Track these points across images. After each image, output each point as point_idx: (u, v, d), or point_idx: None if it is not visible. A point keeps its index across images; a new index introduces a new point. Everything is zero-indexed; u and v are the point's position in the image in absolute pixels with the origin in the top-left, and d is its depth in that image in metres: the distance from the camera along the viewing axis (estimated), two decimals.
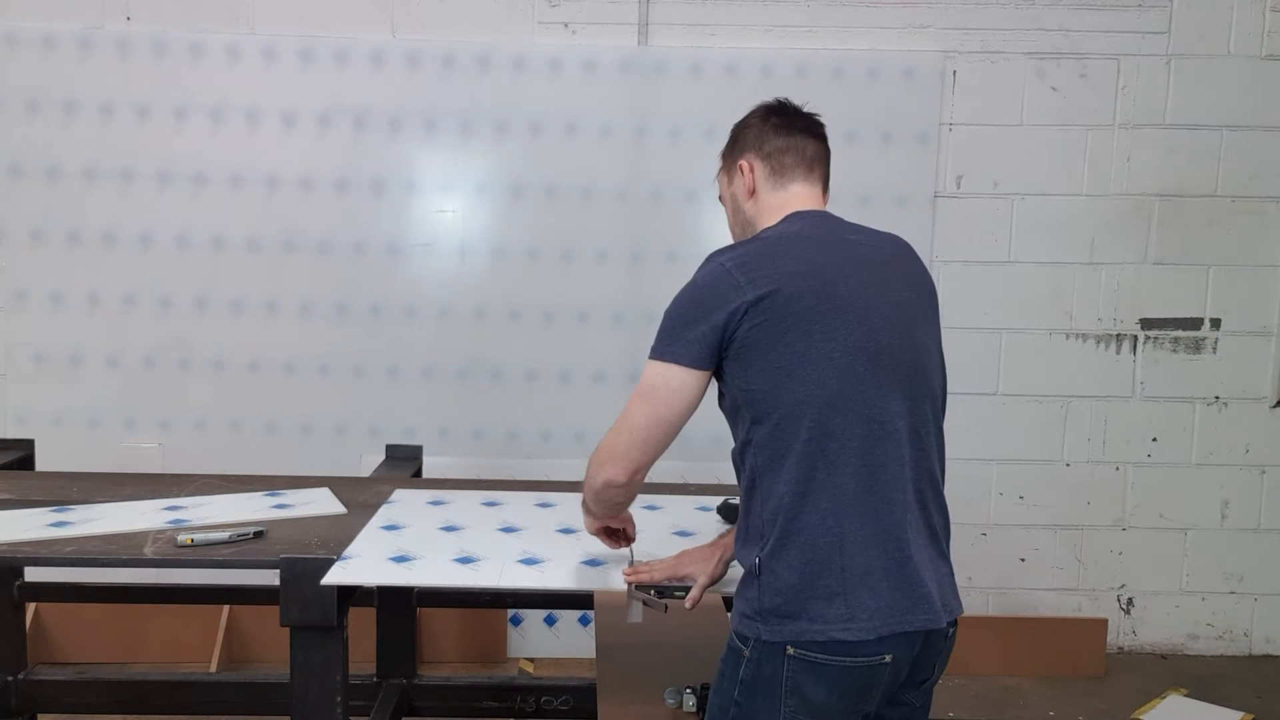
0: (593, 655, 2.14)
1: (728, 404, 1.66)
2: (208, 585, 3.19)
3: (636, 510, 2.39)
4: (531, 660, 3.79)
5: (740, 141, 1.80)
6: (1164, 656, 3.94)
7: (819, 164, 1.77)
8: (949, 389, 1.76)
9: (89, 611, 3.58)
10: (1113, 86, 3.70)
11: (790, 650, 1.54)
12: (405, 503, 2.44)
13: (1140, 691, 3.63)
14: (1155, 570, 3.92)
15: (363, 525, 2.22)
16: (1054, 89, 3.70)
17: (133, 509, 2.32)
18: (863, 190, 3.65)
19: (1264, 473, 3.88)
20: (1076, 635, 3.80)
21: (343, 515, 2.32)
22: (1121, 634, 3.95)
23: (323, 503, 2.41)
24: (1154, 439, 3.86)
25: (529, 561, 2.03)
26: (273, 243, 3.64)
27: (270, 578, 2.03)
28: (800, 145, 1.76)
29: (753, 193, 1.75)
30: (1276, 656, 3.96)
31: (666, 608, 1.81)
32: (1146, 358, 3.82)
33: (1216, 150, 3.73)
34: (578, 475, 3.27)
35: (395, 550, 2.06)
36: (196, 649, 3.61)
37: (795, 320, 1.55)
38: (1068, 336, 3.80)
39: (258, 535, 2.14)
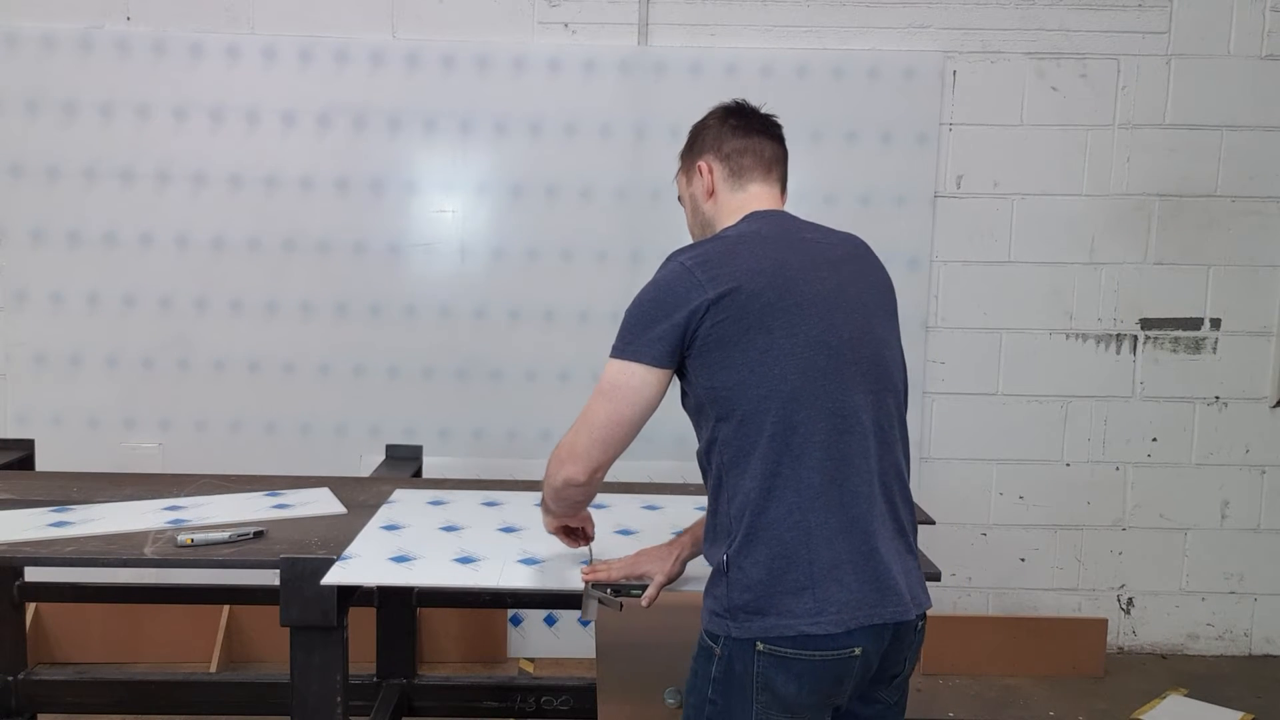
0: (593, 655, 2.15)
1: (691, 403, 1.68)
2: (208, 585, 3.19)
3: (637, 510, 2.41)
4: (531, 660, 3.79)
5: (699, 143, 1.83)
6: (1164, 656, 3.94)
7: (777, 165, 1.81)
8: (909, 386, 1.78)
9: (89, 611, 3.58)
10: (1113, 86, 3.70)
11: (760, 646, 1.55)
12: (405, 503, 2.44)
13: (1140, 691, 3.63)
14: (1155, 570, 3.92)
15: (363, 525, 2.23)
16: (1054, 89, 3.70)
17: (133, 509, 2.32)
18: (863, 190, 3.66)
19: (1264, 473, 3.88)
20: (1076, 635, 3.80)
21: (343, 515, 2.32)
22: (1121, 634, 3.95)
23: (323, 503, 2.41)
24: (1154, 439, 3.86)
25: (529, 561, 2.03)
26: (273, 242, 3.64)
27: (270, 578, 2.03)
28: (758, 146, 1.79)
29: (712, 193, 1.79)
30: (1276, 656, 3.96)
31: (621, 606, 1.82)
32: (1146, 358, 3.82)
33: (1216, 150, 3.73)
34: None
35: (395, 550, 2.06)
36: (196, 649, 3.62)
37: (756, 317, 1.56)
38: (1068, 336, 3.80)
39: (258, 535, 2.14)
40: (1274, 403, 3.85)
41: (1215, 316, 3.81)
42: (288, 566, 1.95)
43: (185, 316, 3.65)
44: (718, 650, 1.59)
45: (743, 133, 1.79)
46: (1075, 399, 3.82)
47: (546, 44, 3.62)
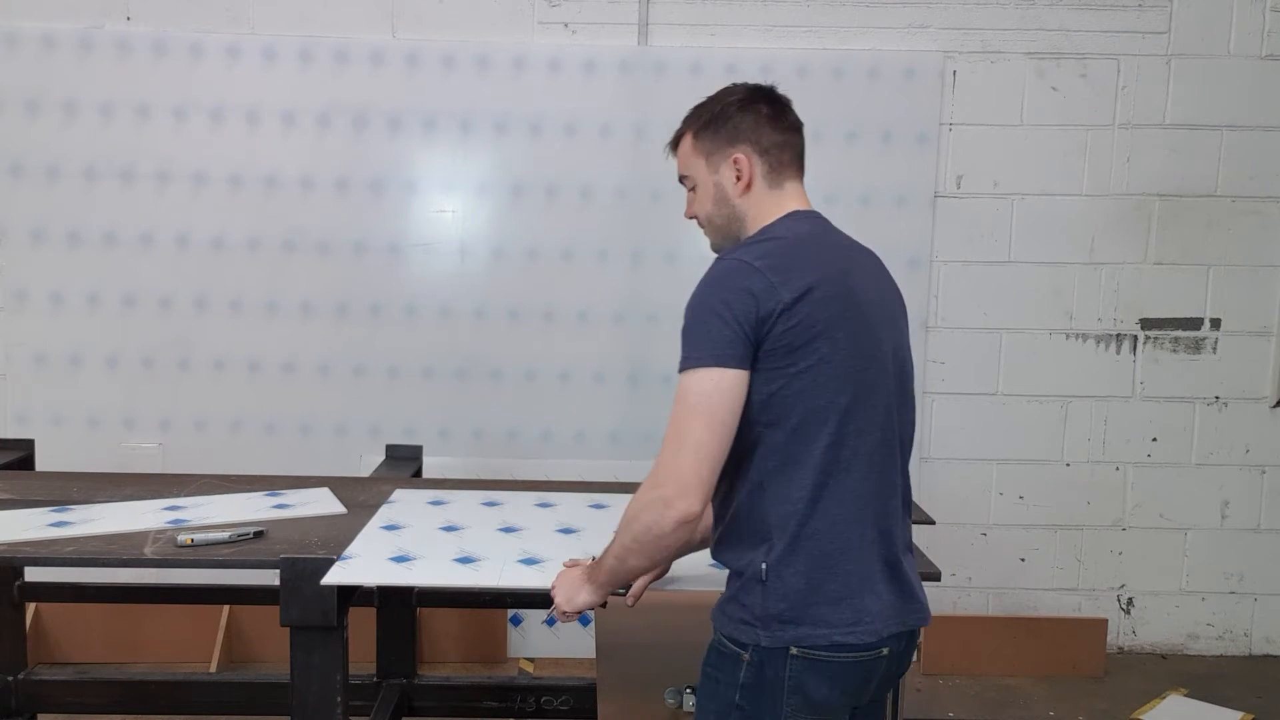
0: (593, 655, 2.14)
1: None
2: (208, 585, 3.19)
3: None
4: (531, 660, 3.79)
5: (731, 129, 1.69)
6: (1164, 656, 3.94)
7: (802, 161, 1.75)
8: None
9: (89, 611, 3.58)
10: (1113, 86, 3.70)
11: (794, 650, 1.53)
12: (405, 503, 2.44)
13: (1140, 691, 3.63)
14: (1155, 570, 3.92)
15: (363, 525, 2.23)
16: (1054, 89, 3.70)
17: (133, 509, 2.32)
18: (863, 190, 3.66)
19: (1264, 473, 3.88)
20: (1076, 635, 3.80)
21: (343, 515, 2.32)
22: (1121, 634, 3.95)
23: (323, 503, 2.41)
24: (1154, 439, 3.86)
25: (529, 561, 2.03)
26: (272, 242, 3.64)
27: (270, 578, 2.03)
28: (795, 142, 1.72)
29: (748, 187, 1.67)
30: (1276, 656, 3.96)
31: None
32: (1146, 358, 3.82)
33: (1216, 150, 3.73)
34: (578, 475, 3.27)
35: (395, 550, 2.06)
36: (196, 649, 3.62)
37: (824, 325, 1.52)
38: (1068, 336, 3.80)
39: (258, 535, 2.14)
40: (1274, 403, 3.85)
41: (1215, 316, 3.81)
42: (288, 566, 1.95)
43: (185, 316, 3.65)
44: (746, 655, 1.55)
45: (781, 127, 1.71)
46: (1075, 399, 3.82)
47: (546, 44, 3.62)
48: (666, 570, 1.87)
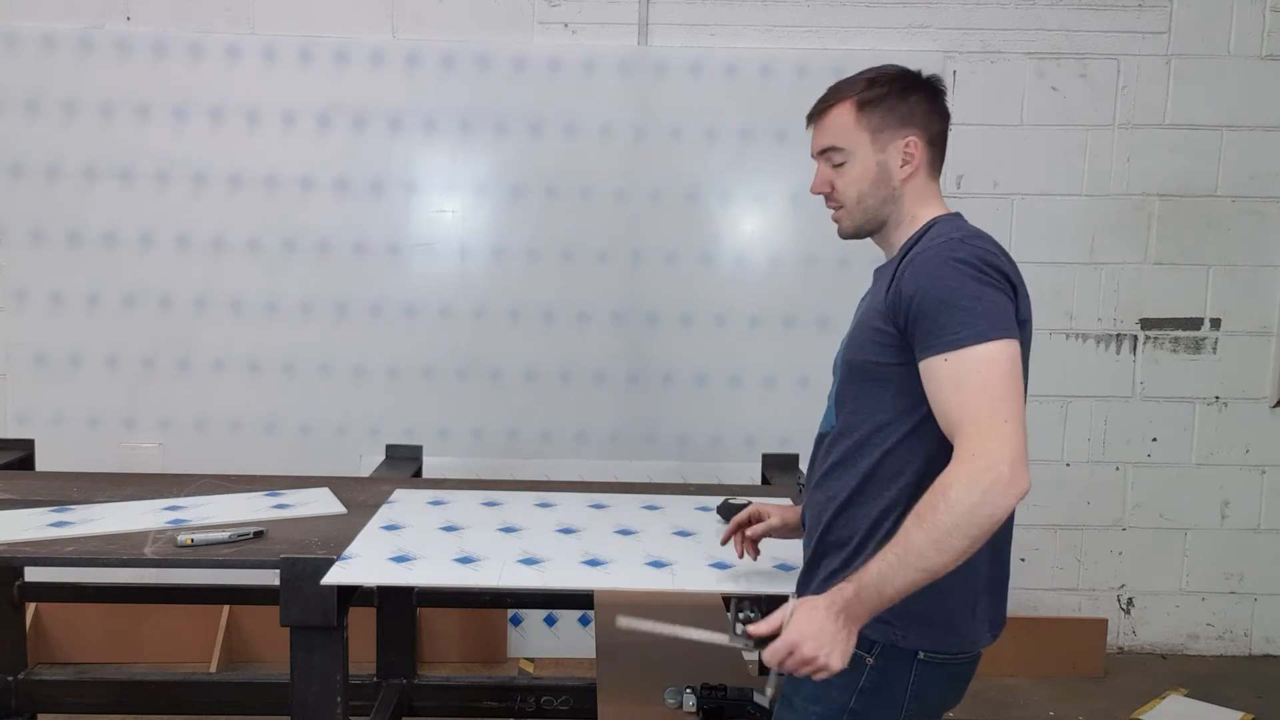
0: (593, 655, 2.14)
1: (896, 384, 1.51)
2: (208, 585, 3.19)
3: (637, 510, 2.41)
4: (531, 660, 3.79)
5: (906, 111, 1.59)
6: (1164, 656, 3.94)
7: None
8: None
9: (89, 611, 3.58)
10: (1113, 86, 3.70)
11: (921, 655, 1.51)
12: (405, 503, 2.43)
13: (1140, 691, 3.63)
14: (1155, 570, 3.92)
15: (363, 525, 2.22)
16: (1054, 89, 3.70)
17: (133, 509, 2.32)
18: None
19: (1264, 473, 3.88)
20: (1076, 635, 3.80)
21: (343, 515, 2.32)
22: (1121, 634, 3.95)
23: (323, 503, 2.41)
24: (1154, 439, 3.86)
25: (529, 561, 2.03)
26: (272, 242, 3.64)
27: (270, 578, 2.03)
28: (947, 137, 1.66)
29: (914, 173, 1.59)
30: (1276, 656, 3.96)
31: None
32: (1146, 358, 3.82)
33: (1216, 150, 3.73)
34: (578, 475, 3.27)
35: (395, 550, 2.06)
36: (196, 649, 3.62)
37: (1021, 321, 1.49)
38: (1068, 336, 3.80)
39: (258, 535, 2.13)
40: (1274, 403, 3.85)
41: (1215, 316, 3.81)
42: (288, 566, 1.95)
43: (185, 316, 3.65)
44: (869, 659, 1.48)
45: (944, 118, 1.63)
46: (1075, 399, 3.82)
47: (546, 44, 3.62)
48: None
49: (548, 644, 3.80)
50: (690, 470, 3.53)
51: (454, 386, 3.70)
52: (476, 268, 3.68)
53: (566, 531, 2.23)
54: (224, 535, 2.10)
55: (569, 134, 3.64)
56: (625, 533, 2.23)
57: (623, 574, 1.98)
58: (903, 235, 1.60)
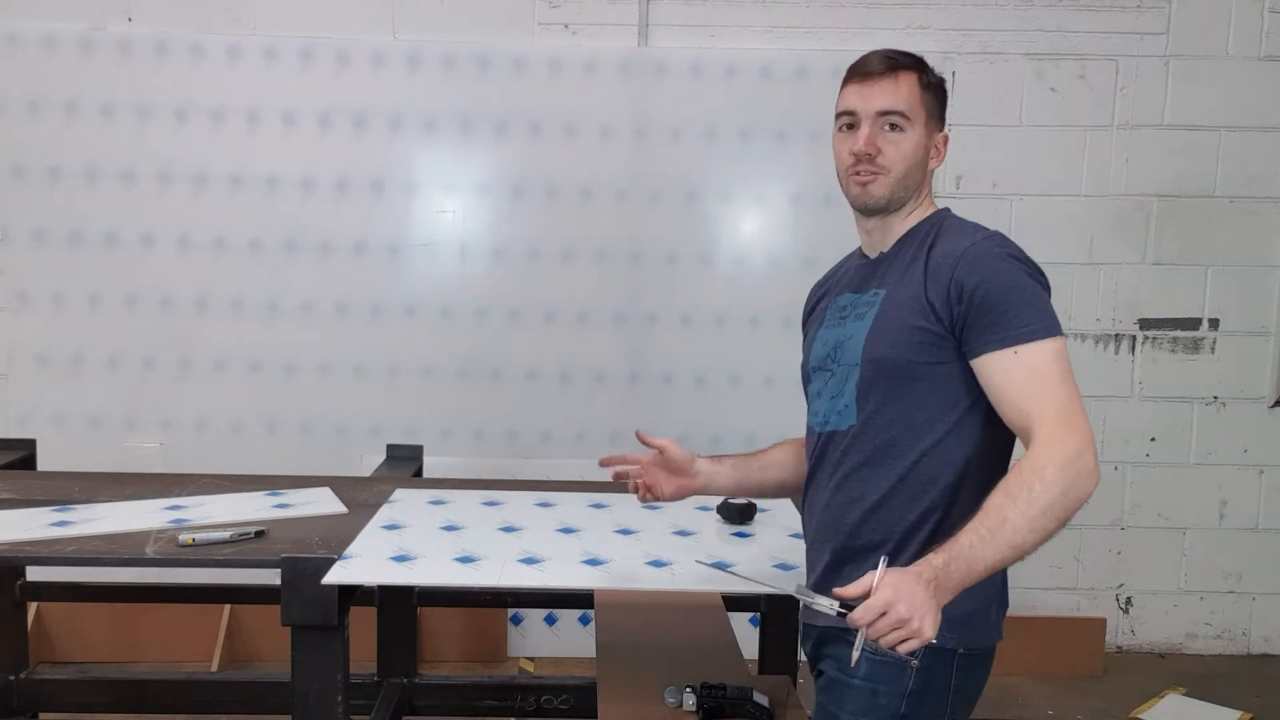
0: (593, 655, 2.15)
1: (952, 390, 1.50)
2: (209, 585, 3.19)
3: (637, 510, 2.41)
4: (531, 659, 3.79)
5: (943, 108, 1.63)
6: (1162, 655, 3.94)
7: None
8: None
9: (91, 611, 3.58)
10: (1111, 87, 3.71)
11: (960, 650, 1.53)
12: (406, 502, 2.44)
13: (1139, 690, 3.63)
14: (1154, 570, 3.92)
15: (363, 525, 2.23)
16: (1053, 90, 3.70)
17: (134, 508, 2.32)
18: None
19: (1262, 472, 3.88)
20: (1075, 634, 3.80)
21: (343, 515, 2.32)
22: (1120, 633, 3.95)
23: (323, 502, 2.41)
24: (1152, 439, 3.86)
25: (529, 561, 2.04)
26: (273, 243, 3.64)
27: (271, 577, 2.03)
28: None
29: (937, 163, 1.62)
30: (1274, 656, 3.96)
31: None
32: (1145, 358, 3.83)
33: (1215, 151, 3.74)
34: (578, 475, 3.27)
35: (396, 550, 2.07)
36: (198, 648, 3.62)
37: None
38: (1067, 336, 3.80)
39: (259, 535, 2.14)
40: (1272, 402, 3.86)
41: (1214, 316, 3.81)
42: (289, 566, 1.95)
43: (186, 316, 3.66)
44: (915, 661, 1.40)
45: None
46: None
47: (547, 44, 3.63)
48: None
49: (548, 643, 3.81)
50: None
51: (454, 386, 3.71)
52: (477, 268, 3.69)
53: (566, 531, 2.24)
54: (225, 535, 2.11)
55: (569, 134, 3.64)
56: (625, 532, 2.24)
57: (623, 573, 1.99)
58: (908, 222, 1.61)
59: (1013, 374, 1.45)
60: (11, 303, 3.63)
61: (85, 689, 2.92)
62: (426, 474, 3.08)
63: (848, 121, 1.60)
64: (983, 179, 3.73)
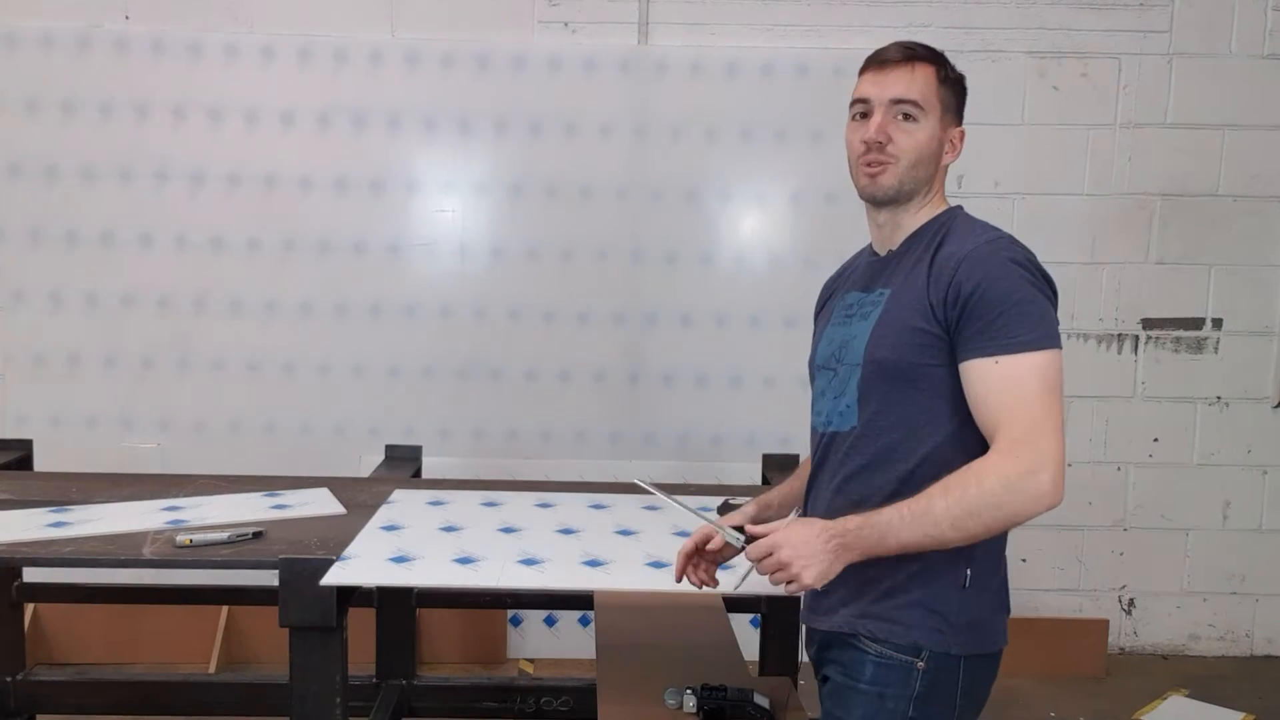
0: (593, 655, 2.14)
1: (942, 394, 1.48)
2: (207, 586, 3.18)
3: (637, 510, 2.40)
4: (531, 661, 3.78)
5: (961, 105, 1.62)
6: (1165, 657, 3.93)
7: None
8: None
9: (88, 612, 3.57)
10: (1114, 86, 3.70)
11: (966, 655, 1.54)
12: (405, 503, 2.43)
13: (1141, 692, 3.62)
14: (1156, 571, 3.91)
15: (362, 526, 2.22)
16: (1055, 88, 3.69)
17: (131, 509, 2.31)
18: None
19: (1265, 473, 3.87)
20: (1078, 636, 3.79)
21: (342, 515, 2.31)
22: (1123, 634, 3.94)
23: (322, 503, 2.40)
24: (1155, 439, 3.85)
25: (529, 561, 2.03)
26: (272, 242, 3.63)
27: (269, 578, 2.02)
28: None
29: (950, 160, 1.62)
30: (1278, 657, 3.95)
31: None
32: (1148, 358, 3.82)
33: (1218, 149, 3.73)
34: (578, 475, 3.26)
35: (395, 550, 2.06)
36: (195, 650, 3.61)
37: None
38: (1069, 336, 3.79)
39: (257, 536, 2.13)
40: (1275, 403, 3.84)
41: (1217, 316, 3.80)
42: (287, 567, 1.94)
43: (184, 316, 3.64)
44: (920, 664, 1.48)
45: None
46: (1076, 399, 3.81)
47: (546, 43, 3.62)
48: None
49: (547, 645, 3.79)
50: (690, 470, 3.52)
51: (454, 387, 3.70)
52: (476, 267, 3.67)
53: (566, 532, 2.23)
54: (223, 536, 2.10)
55: (569, 133, 3.63)
56: (625, 533, 2.23)
57: (623, 574, 1.98)
58: (918, 218, 1.59)
59: (989, 383, 1.43)
60: (8, 302, 3.62)
61: (82, 690, 2.91)
62: (425, 474, 3.07)
63: (861, 110, 1.58)
64: (984, 178, 3.71)
